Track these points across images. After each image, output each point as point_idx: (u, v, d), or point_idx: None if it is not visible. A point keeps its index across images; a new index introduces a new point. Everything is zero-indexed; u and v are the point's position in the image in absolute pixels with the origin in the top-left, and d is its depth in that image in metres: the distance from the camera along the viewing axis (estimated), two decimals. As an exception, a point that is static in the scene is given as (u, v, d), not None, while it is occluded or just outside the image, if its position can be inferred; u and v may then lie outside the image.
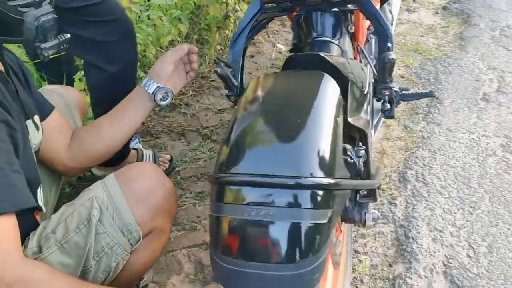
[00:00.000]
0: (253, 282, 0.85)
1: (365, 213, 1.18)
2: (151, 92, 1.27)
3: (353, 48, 1.55)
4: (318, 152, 0.88)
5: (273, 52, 2.88)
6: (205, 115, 2.27)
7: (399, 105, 1.48)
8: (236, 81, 1.29)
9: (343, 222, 1.27)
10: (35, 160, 1.07)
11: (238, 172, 0.87)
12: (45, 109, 1.19)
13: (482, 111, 2.39)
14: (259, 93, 1.03)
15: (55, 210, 1.13)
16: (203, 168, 1.96)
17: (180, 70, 1.34)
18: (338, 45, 1.40)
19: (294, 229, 0.82)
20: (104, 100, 1.55)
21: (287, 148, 0.89)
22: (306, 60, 1.26)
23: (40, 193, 1.08)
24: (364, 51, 1.42)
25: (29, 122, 1.04)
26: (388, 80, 1.27)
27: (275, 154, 0.88)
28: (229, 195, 0.87)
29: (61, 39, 0.91)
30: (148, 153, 1.87)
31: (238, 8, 2.63)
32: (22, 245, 1.01)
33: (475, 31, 3.29)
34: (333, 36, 1.42)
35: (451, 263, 1.56)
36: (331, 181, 0.85)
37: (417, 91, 1.32)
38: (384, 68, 1.22)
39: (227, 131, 0.99)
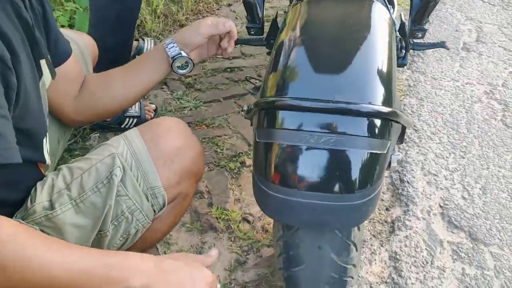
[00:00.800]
0: (308, 212, 0.81)
1: (391, 155, 1.15)
2: (171, 56, 1.11)
3: None
4: (379, 81, 0.83)
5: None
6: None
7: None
8: (260, 12, 1.22)
9: None
10: (45, 106, 0.94)
11: (293, 97, 0.80)
12: (64, 51, 1.04)
13: (464, 60, 2.39)
14: (306, 18, 0.97)
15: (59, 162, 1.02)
16: (189, 117, 1.87)
17: (211, 43, 1.17)
18: None
19: (355, 158, 0.78)
20: (104, 20, 1.56)
21: (347, 74, 0.85)
22: None
23: (46, 143, 0.96)
24: None
25: (43, 62, 0.91)
26: (424, 22, 1.22)
27: (334, 79, 0.84)
28: (283, 120, 0.81)
29: None
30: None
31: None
32: (28, 197, 0.91)
33: (451, -17, 3.28)
34: None
35: (448, 205, 1.57)
36: (389, 110, 0.80)
37: (430, 41, 1.28)
38: (426, 8, 1.17)
39: (272, 58, 0.93)
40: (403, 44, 1.40)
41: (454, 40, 2.56)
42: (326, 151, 0.80)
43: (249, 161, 1.69)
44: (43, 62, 0.91)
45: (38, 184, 0.93)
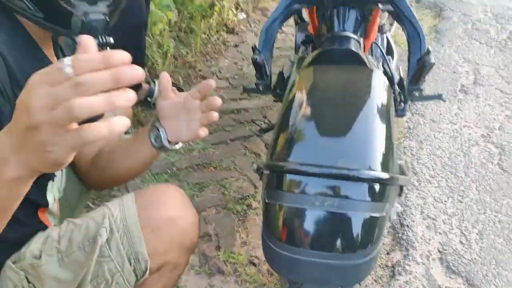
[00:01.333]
0: (311, 270, 0.88)
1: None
2: (147, 129, 1.01)
3: (364, 45, 1.56)
4: (378, 147, 0.91)
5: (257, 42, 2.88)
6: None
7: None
8: (268, 70, 1.30)
9: None
10: None
11: (300, 162, 0.88)
12: None
13: (462, 102, 2.48)
14: (312, 85, 1.06)
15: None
16: (198, 159, 1.95)
17: (192, 116, 0.97)
18: (357, 41, 1.41)
19: (357, 220, 0.86)
20: None
21: (348, 140, 0.92)
22: (338, 55, 1.28)
23: (52, 186, 1.02)
24: (382, 51, 1.45)
25: None
26: (420, 82, 1.31)
27: (337, 145, 0.91)
28: (291, 183, 0.88)
29: (101, 41, 0.87)
30: None
31: (224, -4, 2.61)
32: (24, 244, 0.94)
33: (449, 24, 3.40)
34: (353, 31, 1.43)
35: (446, 250, 1.63)
36: (388, 176, 0.88)
37: (427, 94, 1.38)
38: (422, 71, 1.26)
39: (280, 120, 1.01)
40: (402, 97, 1.49)
41: (452, 82, 2.66)
42: (329, 213, 0.87)
43: (255, 204, 1.76)
44: None
45: (40, 232, 0.97)
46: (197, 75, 2.45)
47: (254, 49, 1.30)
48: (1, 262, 0.92)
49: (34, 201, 0.95)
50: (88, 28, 0.85)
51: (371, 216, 0.89)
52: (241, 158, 1.98)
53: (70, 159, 0.53)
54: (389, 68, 1.54)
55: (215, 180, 1.86)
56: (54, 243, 0.93)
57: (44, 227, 0.99)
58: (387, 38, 1.92)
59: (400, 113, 1.56)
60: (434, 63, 1.23)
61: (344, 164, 0.88)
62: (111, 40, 0.88)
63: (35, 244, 0.94)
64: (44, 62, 0.93)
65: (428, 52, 1.24)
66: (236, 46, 2.82)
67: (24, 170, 0.55)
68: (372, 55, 1.65)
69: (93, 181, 1.16)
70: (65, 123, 0.48)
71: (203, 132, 0.97)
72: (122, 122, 0.49)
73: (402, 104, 1.52)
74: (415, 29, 1.33)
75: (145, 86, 1.24)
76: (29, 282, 0.93)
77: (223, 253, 1.56)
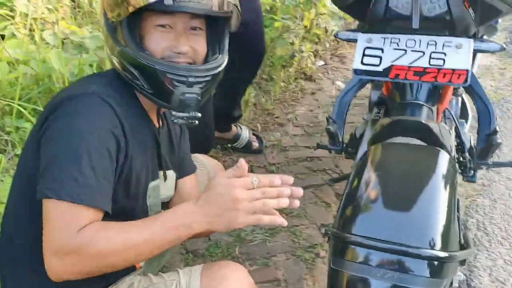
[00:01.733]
0: None
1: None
2: None
3: (437, 110, 1.62)
4: (439, 226, 0.99)
5: (333, 89, 3.01)
6: (271, 152, 2.41)
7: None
8: (341, 137, 1.41)
9: None
10: (150, 200, 1.18)
11: (364, 235, 0.99)
12: (183, 170, 1.32)
13: (542, 161, 2.42)
14: (380, 162, 1.16)
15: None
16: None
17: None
18: (429, 108, 1.47)
19: None
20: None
21: (410, 218, 1.02)
22: (409, 125, 1.37)
23: None
24: (455, 118, 1.50)
25: (160, 173, 1.19)
26: (488, 158, 1.37)
27: (399, 222, 1.01)
28: (355, 254, 0.99)
29: (190, 115, 1.06)
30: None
31: (303, 48, 2.77)
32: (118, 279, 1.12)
33: (532, 76, 3.32)
34: (426, 100, 1.49)
35: (514, 316, 1.62)
36: (446, 254, 0.96)
37: (497, 161, 1.42)
38: (489, 149, 1.32)
39: (349, 191, 1.12)
40: (472, 165, 1.54)
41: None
42: (390, 285, 0.96)
43: (323, 253, 1.86)
44: (160, 173, 1.19)
45: (131, 275, 1.14)
46: (275, 122, 2.62)
47: (328, 119, 1.41)
48: None
49: None
50: (184, 105, 1.06)
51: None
52: (312, 207, 2.09)
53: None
54: (460, 135, 1.59)
55: (286, 226, 1.97)
56: None
57: (134, 268, 1.18)
58: (462, 99, 1.96)
59: (469, 179, 1.60)
60: (500, 143, 1.28)
61: (405, 241, 0.97)
62: (199, 115, 1.09)
63: (122, 285, 1.12)
64: (149, 124, 1.16)
65: (495, 132, 1.30)
66: (313, 93, 2.96)
67: (205, 227, 0.96)
68: (444, 120, 1.69)
69: None
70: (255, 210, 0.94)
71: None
72: (281, 221, 1.00)
73: (472, 171, 1.56)
74: (485, 106, 1.37)
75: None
76: None
77: (290, 300, 1.67)
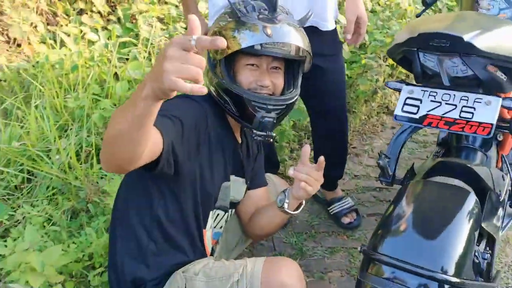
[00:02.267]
0: None
1: None
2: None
3: (498, 156, 1.74)
4: (454, 255, 1.18)
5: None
6: (343, 179, 2.61)
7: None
8: (391, 171, 1.60)
9: None
10: (221, 197, 1.48)
11: (390, 255, 1.19)
12: (256, 182, 1.63)
13: None
14: (416, 198, 1.36)
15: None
16: (332, 227, 2.29)
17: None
18: (483, 153, 1.63)
19: None
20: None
21: (429, 245, 1.21)
22: (455, 166, 1.54)
23: (210, 218, 1.48)
24: (507, 163, 1.63)
25: (232, 177, 1.50)
26: None
27: (419, 248, 1.20)
28: (378, 269, 1.21)
29: (267, 134, 1.36)
30: None
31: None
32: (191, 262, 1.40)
33: None
34: (480, 145, 1.64)
35: None
36: (458, 280, 1.14)
37: None
38: None
39: (384, 216, 1.33)
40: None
41: None
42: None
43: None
44: (232, 177, 1.50)
45: (204, 259, 1.42)
46: (351, 152, 2.82)
47: (380, 154, 1.61)
48: (176, 269, 1.40)
49: (197, 215, 1.42)
50: (262, 126, 1.36)
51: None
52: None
53: (171, 89, 0.85)
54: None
55: (346, 247, 2.17)
56: (208, 270, 1.38)
57: (205, 255, 1.48)
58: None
59: (503, 228, 1.69)
60: None
61: (422, 264, 1.16)
62: (274, 135, 1.40)
63: (197, 265, 1.41)
64: (232, 138, 1.50)
65: None
66: (392, 128, 3.11)
67: (150, 90, 0.88)
68: (501, 167, 1.79)
69: (250, 233, 1.67)
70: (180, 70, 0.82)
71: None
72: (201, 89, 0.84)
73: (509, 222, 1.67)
74: None
75: None
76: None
77: (338, 312, 1.86)
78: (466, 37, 1.19)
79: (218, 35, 1.35)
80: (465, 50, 1.23)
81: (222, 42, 0.81)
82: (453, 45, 1.23)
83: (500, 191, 1.58)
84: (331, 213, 2.33)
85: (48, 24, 3.28)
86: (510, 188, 1.69)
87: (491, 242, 1.48)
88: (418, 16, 2.06)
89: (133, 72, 2.69)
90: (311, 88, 1.87)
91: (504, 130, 1.57)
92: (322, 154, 1.80)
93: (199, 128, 1.34)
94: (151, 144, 1.06)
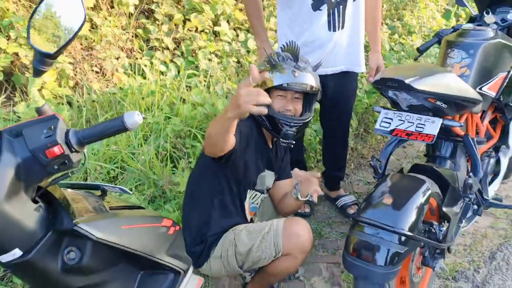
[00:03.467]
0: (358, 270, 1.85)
1: (435, 263, 2.06)
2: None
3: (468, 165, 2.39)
4: (408, 218, 1.82)
5: (422, 146, 3.75)
6: (357, 184, 3.27)
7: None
8: (381, 170, 2.26)
9: (423, 265, 2.15)
10: (258, 182, 2.17)
11: (368, 218, 1.85)
12: (283, 175, 2.33)
13: None
14: (390, 183, 2.01)
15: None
16: (344, 217, 2.95)
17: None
18: (451, 161, 2.31)
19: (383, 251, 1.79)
20: None
21: (393, 212, 1.85)
22: (425, 168, 2.20)
23: (249, 195, 2.16)
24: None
25: (266, 171, 2.20)
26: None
27: (387, 214, 1.85)
28: (360, 227, 1.86)
29: (289, 141, 2.01)
30: None
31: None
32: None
33: None
34: (450, 155, 2.33)
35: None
36: (410, 234, 1.79)
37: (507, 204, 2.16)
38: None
39: (368, 195, 1.99)
40: (474, 202, 2.27)
41: None
42: (374, 244, 1.82)
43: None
44: (266, 171, 2.19)
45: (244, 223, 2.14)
46: (366, 164, 3.48)
47: (372, 157, 2.28)
48: (228, 229, 2.09)
49: (240, 198, 2.12)
50: (287, 136, 2.01)
51: (395, 251, 1.79)
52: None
53: (247, 111, 1.54)
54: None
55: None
56: (248, 227, 2.07)
57: (247, 221, 2.17)
58: (498, 158, 2.64)
59: (476, 213, 2.32)
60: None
61: (388, 223, 1.81)
62: (294, 142, 2.04)
63: (242, 226, 2.09)
64: (266, 145, 2.17)
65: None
66: (404, 147, 3.75)
67: (232, 114, 1.57)
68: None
69: (279, 211, 2.37)
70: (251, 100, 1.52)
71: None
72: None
73: (476, 207, 2.30)
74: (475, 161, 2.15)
75: None
76: (234, 239, 2.06)
77: None
78: (407, 80, 1.87)
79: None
80: (408, 88, 1.90)
81: (266, 98, 1.53)
82: (400, 85, 1.91)
83: (461, 189, 2.20)
84: (338, 206, 3.04)
85: (127, 57, 4.14)
86: (476, 190, 2.32)
87: (448, 221, 2.11)
88: (415, 59, 2.76)
89: (196, 97, 3.47)
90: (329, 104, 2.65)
91: (460, 143, 2.23)
92: (327, 158, 2.53)
93: (247, 136, 2.05)
94: (230, 142, 1.80)
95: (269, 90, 2.00)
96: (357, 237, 1.87)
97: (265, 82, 2.00)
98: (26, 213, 1.10)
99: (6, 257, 1.09)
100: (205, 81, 3.74)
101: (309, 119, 2.12)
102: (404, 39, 5.13)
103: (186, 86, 3.69)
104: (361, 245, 1.85)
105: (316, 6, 2.41)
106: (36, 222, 1.12)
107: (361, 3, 2.50)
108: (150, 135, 3.13)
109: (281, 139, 2.04)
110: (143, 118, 1.17)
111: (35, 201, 1.15)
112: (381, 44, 4.40)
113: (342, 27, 2.48)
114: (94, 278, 1.25)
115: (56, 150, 1.07)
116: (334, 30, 2.47)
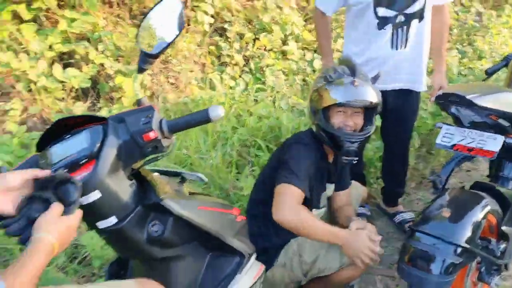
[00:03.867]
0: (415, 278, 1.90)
1: (491, 279, 2.08)
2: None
3: None
4: (465, 231, 1.86)
5: (486, 170, 3.70)
6: (417, 203, 3.29)
7: None
8: (441, 185, 2.30)
9: (479, 281, 2.17)
10: (322, 200, 2.27)
11: (425, 228, 1.92)
12: (341, 187, 2.31)
13: None
14: (449, 197, 2.07)
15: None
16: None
17: None
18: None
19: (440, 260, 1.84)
20: None
21: (450, 224, 1.91)
22: (487, 186, 2.23)
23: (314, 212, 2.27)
24: None
25: (327, 184, 2.26)
26: None
27: (444, 225, 1.91)
28: (417, 237, 1.93)
29: (351, 158, 2.01)
30: None
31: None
32: None
33: None
34: None
35: None
36: (467, 246, 1.83)
37: None
38: None
39: (426, 207, 2.05)
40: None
41: None
42: (431, 254, 1.88)
43: None
44: (328, 185, 2.27)
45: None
46: (427, 184, 3.49)
47: (433, 173, 2.33)
48: (291, 239, 2.15)
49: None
50: (348, 153, 1.99)
51: (450, 262, 1.84)
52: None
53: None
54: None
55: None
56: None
57: None
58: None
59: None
60: None
61: (445, 234, 1.87)
62: (356, 159, 2.05)
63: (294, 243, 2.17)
64: (326, 163, 2.20)
65: None
66: (467, 171, 3.72)
67: (341, 244, 1.90)
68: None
69: (333, 220, 2.42)
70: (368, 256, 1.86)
71: None
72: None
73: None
74: None
75: None
76: (297, 250, 2.13)
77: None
78: (468, 96, 1.92)
79: (317, 92, 2.05)
80: (469, 104, 1.95)
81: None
82: (461, 101, 1.97)
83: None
84: (396, 222, 3.07)
85: (200, 71, 4.42)
86: None
87: (507, 240, 2.12)
88: (483, 81, 2.81)
89: (262, 110, 3.66)
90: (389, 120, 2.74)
91: None
92: (386, 173, 2.59)
93: (313, 170, 2.01)
94: None
95: (327, 107, 2.01)
96: (414, 246, 1.93)
97: (323, 99, 2.00)
98: (123, 187, 1.30)
99: (104, 223, 1.29)
100: (271, 96, 3.92)
101: (370, 133, 2.08)
102: (473, 64, 5.10)
103: (253, 99, 3.89)
104: (417, 254, 1.91)
105: (381, 25, 2.53)
106: (129, 196, 1.31)
107: (426, 24, 2.59)
108: (217, 142, 3.33)
109: (342, 158, 2.02)
110: (222, 115, 1.33)
111: (129, 179, 1.34)
112: (449, 67, 4.43)
113: (405, 46, 2.57)
114: (171, 252, 1.41)
115: (152, 134, 1.25)
116: (397, 49, 2.57)
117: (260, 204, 2.20)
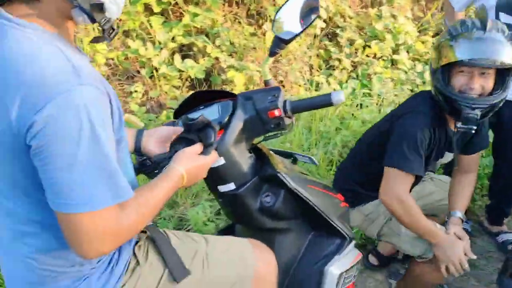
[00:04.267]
0: None
1: None
2: None
3: None
4: None
5: None
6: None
7: None
8: None
9: None
10: (434, 166, 2.15)
11: None
12: (470, 151, 2.01)
13: None
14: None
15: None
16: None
17: None
18: None
19: None
20: None
21: None
22: None
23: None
24: None
25: (446, 153, 2.01)
26: None
27: None
28: None
29: (469, 127, 1.71)
30: None
31: None
32: None
33: None
34: None
35: None
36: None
37: None
38: None
39: None
40: None
41: None
42: None
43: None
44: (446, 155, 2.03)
45: None
46: None
47: None
48: None
49: None
50: (466, 120, 1.70)
51: None
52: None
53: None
54: None
55: None
56: None
57: None
58: None
59: None
60: None
61: None
62: (475, 127, 1.72)
63: None
64: (447, 127, 1.90)
65: None
66: None
67: (436, 253, 1.94)
68: None
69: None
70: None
71: None
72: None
73: None
74: None
75: None
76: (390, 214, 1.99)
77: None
78: None
79: (438, 48, 1.79)
80: None
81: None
82: None
83: None
84: (499, 242, 2.90)
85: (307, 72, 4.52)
86: None
87: None
88: None
89: (366, 115, 3.67)
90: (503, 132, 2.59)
91: None
92: (494, 189, 2.45)
93: (431, 138, 1.83)
94: None
95: (449, 65, 1.73)
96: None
97: (443, 56, 1.74)
98: (243, 158, 1.43)
99: (224, 188, 1.43)
100: (376, 103, 3.91)
101: (497, 100, 1.72)
102: None
103: (358, 104, 3.91)
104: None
105: None
106: (248, 167, 1.44)
107: None
108: (319, 141, 3.40)
109: (458, 125, 1.75)
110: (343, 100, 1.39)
111: (249, 152, 1.46)
112: None
113: None
114: (279, 224, 1.52)
115: (276, 112, 1.36)
116: None
117: (362, 159, 2.17)
